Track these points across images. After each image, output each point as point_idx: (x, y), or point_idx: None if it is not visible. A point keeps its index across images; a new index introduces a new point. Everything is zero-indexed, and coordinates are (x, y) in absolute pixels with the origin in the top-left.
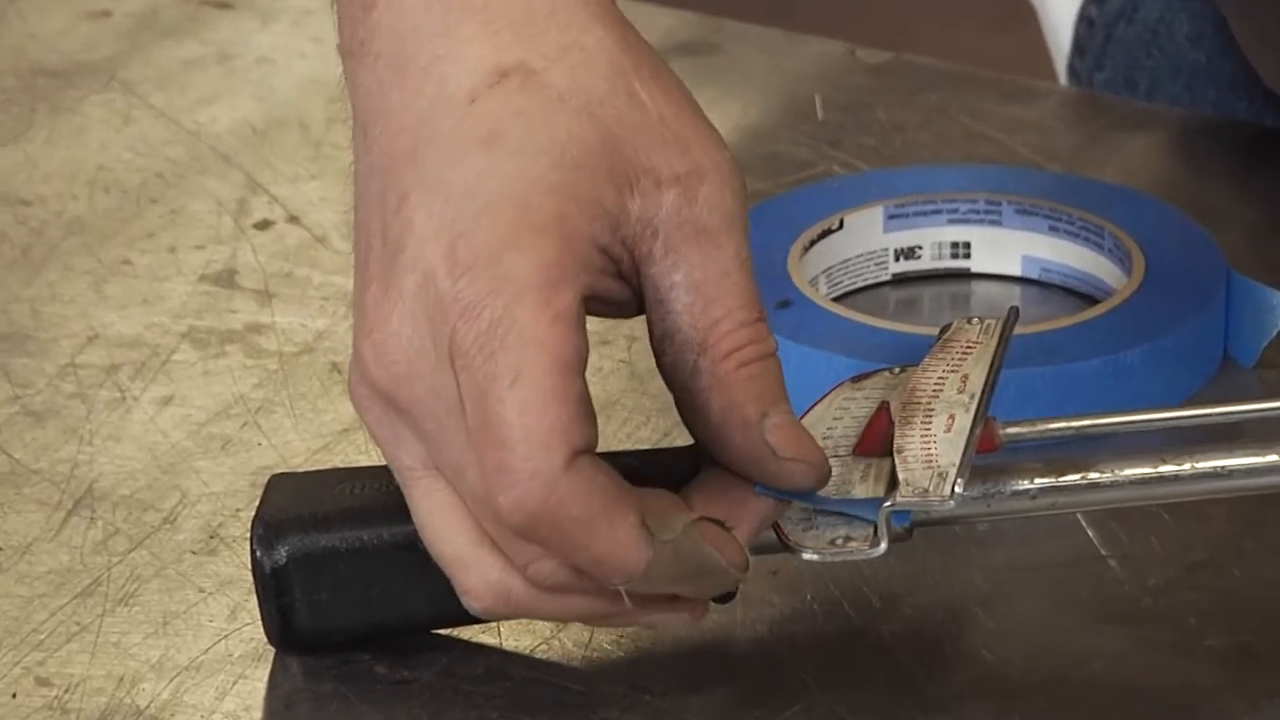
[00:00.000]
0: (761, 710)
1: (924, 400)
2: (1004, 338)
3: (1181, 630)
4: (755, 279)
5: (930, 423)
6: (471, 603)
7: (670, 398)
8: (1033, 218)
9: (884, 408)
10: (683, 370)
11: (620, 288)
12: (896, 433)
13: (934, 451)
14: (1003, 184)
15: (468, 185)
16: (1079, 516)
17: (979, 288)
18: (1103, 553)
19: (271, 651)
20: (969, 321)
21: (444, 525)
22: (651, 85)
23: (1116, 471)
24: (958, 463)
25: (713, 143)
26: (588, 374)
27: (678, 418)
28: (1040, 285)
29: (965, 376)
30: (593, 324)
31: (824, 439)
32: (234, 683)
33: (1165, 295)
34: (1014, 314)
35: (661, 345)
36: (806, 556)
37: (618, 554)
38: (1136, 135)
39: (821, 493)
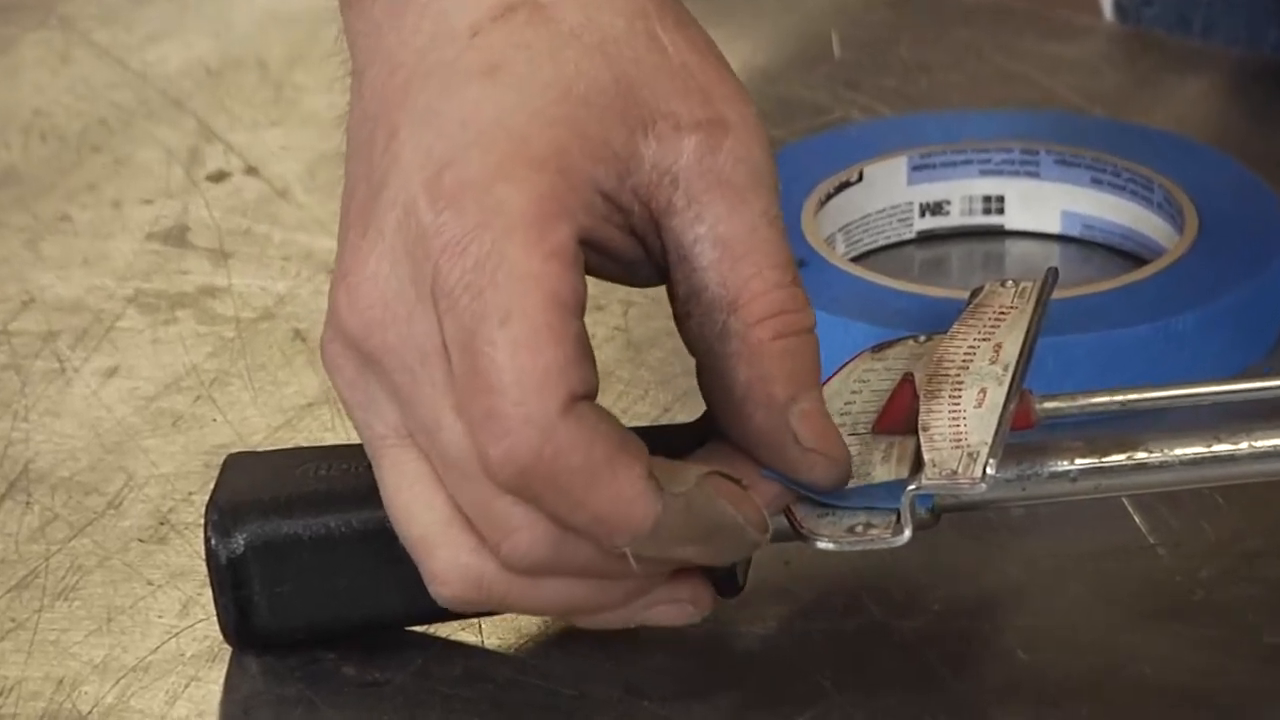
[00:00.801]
0: (771, 716)
1: (952, 372)
2: (1041, 302)
3: (1237, 627)
4: (787, 240)
5: (959, 397)
6: (439, 589)
7: (671, 370)
8: (1074, 169)
9: (908, 380)
10: (710, 331)
11: (628, 243)
12: (922, 408)
13: (963, 429)
14: (1040, 131)
15: (461, 116)
16: (1124, 501)
17: (1013, 246)
18: (1150, 541)
19: (228, 650)
20: (1002, 284)
21: (412, 500)
22: (674, 32)
23: (1166, 451)
24: (990, 442)
25: (739, 96)
26: None
27: (678, 391)
28: (1081, 244)
29: (998, 345)
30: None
31: (841, 414)
32: (186, 685)
33: (1220, 255)
34: (1053, 275)
35: (687, 305)
36: (822, 546)
37: (622, 508)
38: (1189, 78)
39: None
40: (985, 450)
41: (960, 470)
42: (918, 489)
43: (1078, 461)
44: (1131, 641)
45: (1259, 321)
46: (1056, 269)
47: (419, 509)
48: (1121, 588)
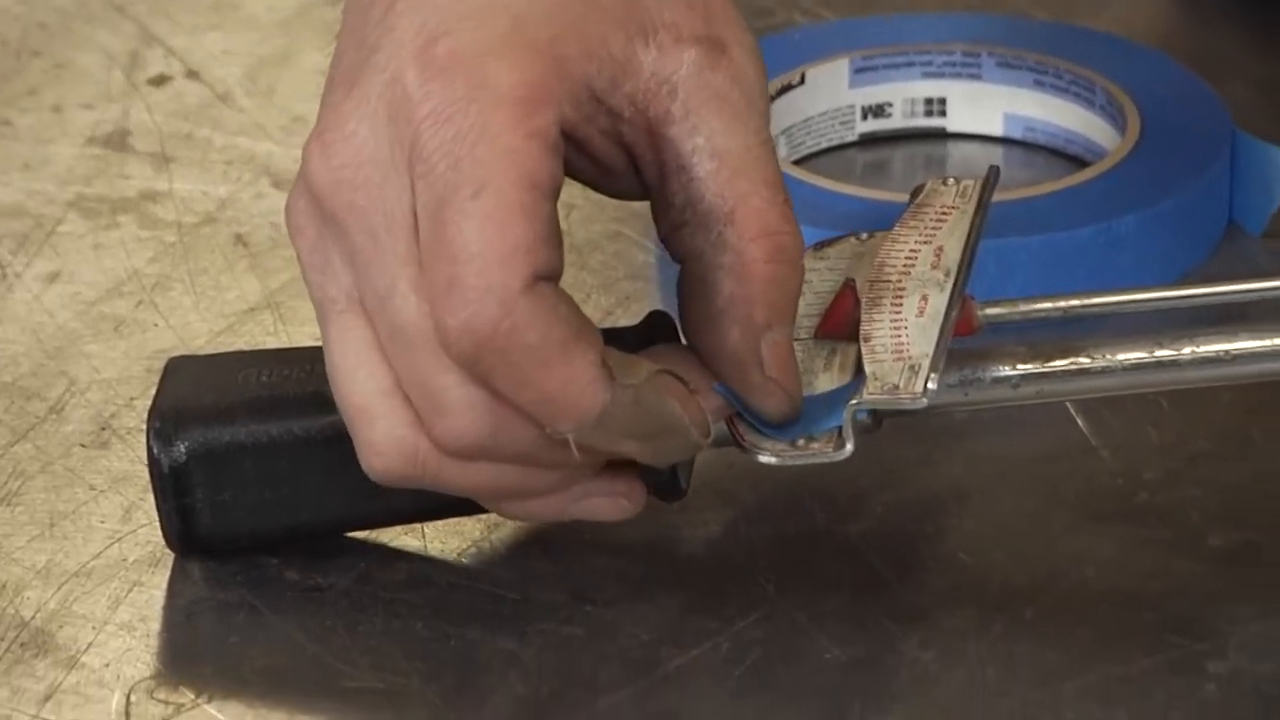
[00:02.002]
0: (715, 620)
1: (893, 278)
2: (983, 202)
3: (1182, 529)
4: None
5: (900, 305)
6: (372, 460)
7: (613, 274)
8: (1016, 71)
9: (849, 286)
10: (704, 240)
11: (611, 149)
12: (863, 317)
13: (905, 340)
14: (983, 33)
15: None
16: (1067, 404)
17: (956, 149)
18: (1094, 444)
19: (171, 556)
20: (944, 182)
21: (356, 367)
22: None
23: (1108, 356)
24: (931, 354)
25: (737, 20)
26: None
27: (620, 295)
28: (1024, 146)
29: (940, 249)
30: None
31: None
32: (129, 590)
33: (1163, 156)
34: (994, 174)
35: (683, 214)
36: (763, 460)
37: (573, 392)
38: None
39: None
40: (926, 363)
41: (902, 385)
42: (858, 404)
43: (1020, 367)
44: (1075, 544)
45: (1201, 223)
46: (998, 168)
47: (362, 377)
48: (1065, 491)
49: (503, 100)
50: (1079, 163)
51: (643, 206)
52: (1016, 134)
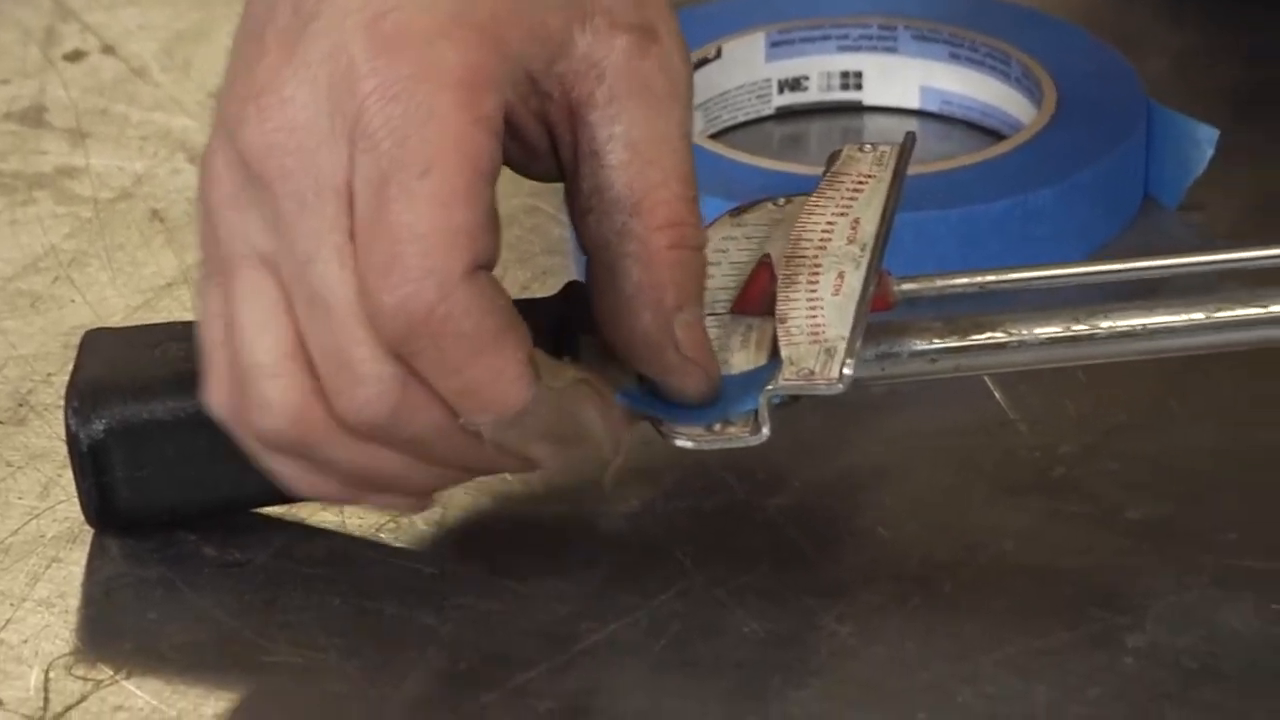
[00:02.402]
0: (634, 596)
1: (809, 253)
2: (899, 171)
3: (1099, 503)
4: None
5: (816, 283)
6: (260, 418)
7: (529, 248)
8: (932, 44)
9: (766, 263)
10: (609, 228)
11: (538, 130)
12: (779, 295)
13: (821, 321)
14: (898, 6)
15: None
16: (985, 379)
17: (872, 122)
18: (1011, 417)
19: (89, 532)
20: (861, 149)
21: (261, 325)
22: None
23: (1025, 331)
24: (847, 336)
25: (668, 9)
26: None
27: (537, 269)
28: (940, 119)
29: (856, 221)
30: None
31: None
32: (47, 566)
33: (1079, 129)
34: (911, 141)
35: (590, 201)
36: (680, 444)
37: (498, 384)
38: None
39: None
40: (843, 346)
41: (818, 370)
42: (774, 389)
43: (936, 341)
44: (993, 518)
45: (1117, 195)
46: (914, 134)
47: (265, 336)
48: (982, 465)
49: (451, 82)
50: (995, 136)
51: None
52: (933, 107)
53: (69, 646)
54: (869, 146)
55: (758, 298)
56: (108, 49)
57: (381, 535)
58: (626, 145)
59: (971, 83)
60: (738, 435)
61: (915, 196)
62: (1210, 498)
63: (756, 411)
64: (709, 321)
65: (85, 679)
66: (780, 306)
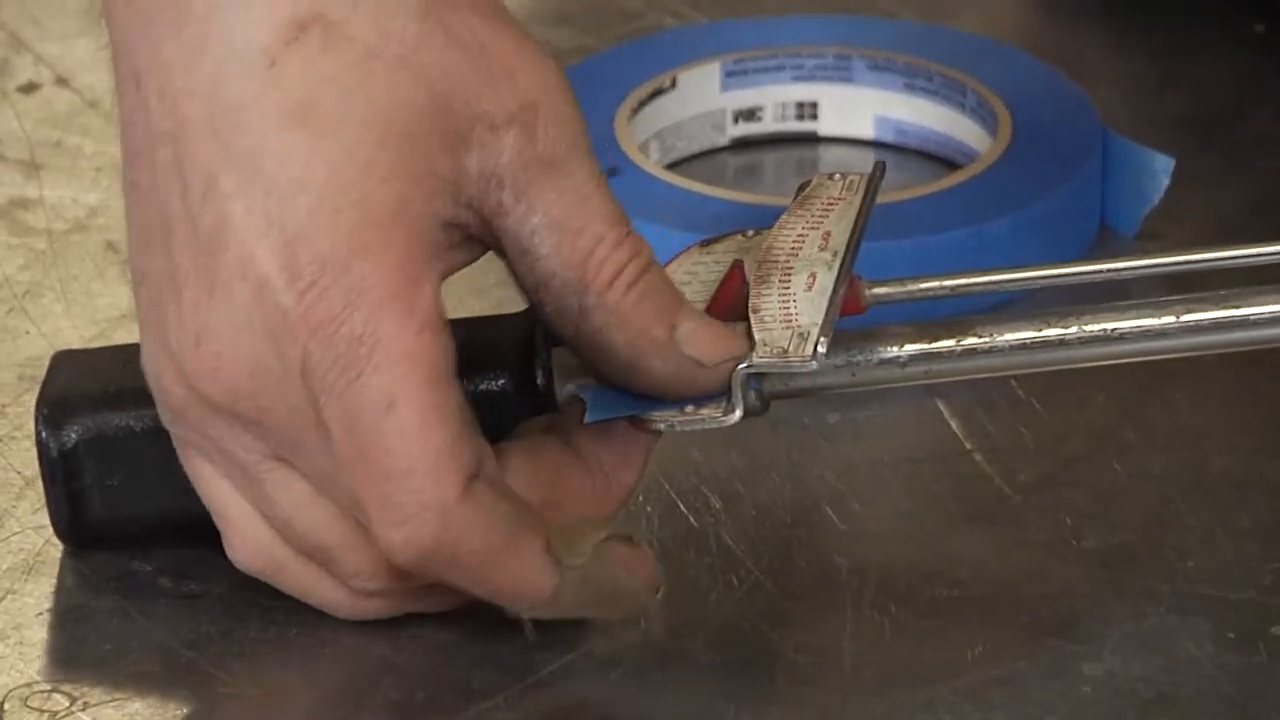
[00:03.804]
0: (590, 625)
1: (781, 259)
2: (870, 193)
3: (1055, 530)
4: (613, 195)
5: (789, 281)
6: (359, 580)
7: (484, 280)
8: (886, 74)
9: (737, 267)
10: (570, 316)
11: (471, 252)
12: (752, 293)
13: (794, 311)
14: (853, 36)
15: (291, 176)
16: (940, 405)
17: (827, 152)
18: (968, 446)
19: (46, 563)
20: (830, 178)
21: (309, 507)
22: (465, 11)
23: (995, 335)
24: (820, 322)
25: (540, 64)
26: None
27: (493, 301)
28: (895, 149)
29: (827, 234)
30: None
31: None
32: (3, 598)
33: (1034, 159)
34: (881, 169)
35: (538, 295)
36: (654, 427)
37: (521, 584)
38: None
39: None
40: (816, 330)
41: (791, 349)
42: (749, 367)
43: (907, 347)
44: (950, 546)
45: (1074, 225)
46: (884, 163)
47: (319, 513)
48: (939, 492)
49: (383, 299)
50: (950, 165)
51: None
52: (888, 137)
53: (25, 678)
54: (839, 175)
55: (730, 300)
56: (61, 81)
57: None
58: (550, 229)
59: (926, 113)
60: (711, 416)
61: (871, 227)
62: (1167, 526)
63: (729, 394)
64: None
65: (42, 710)
66: (753, 301)
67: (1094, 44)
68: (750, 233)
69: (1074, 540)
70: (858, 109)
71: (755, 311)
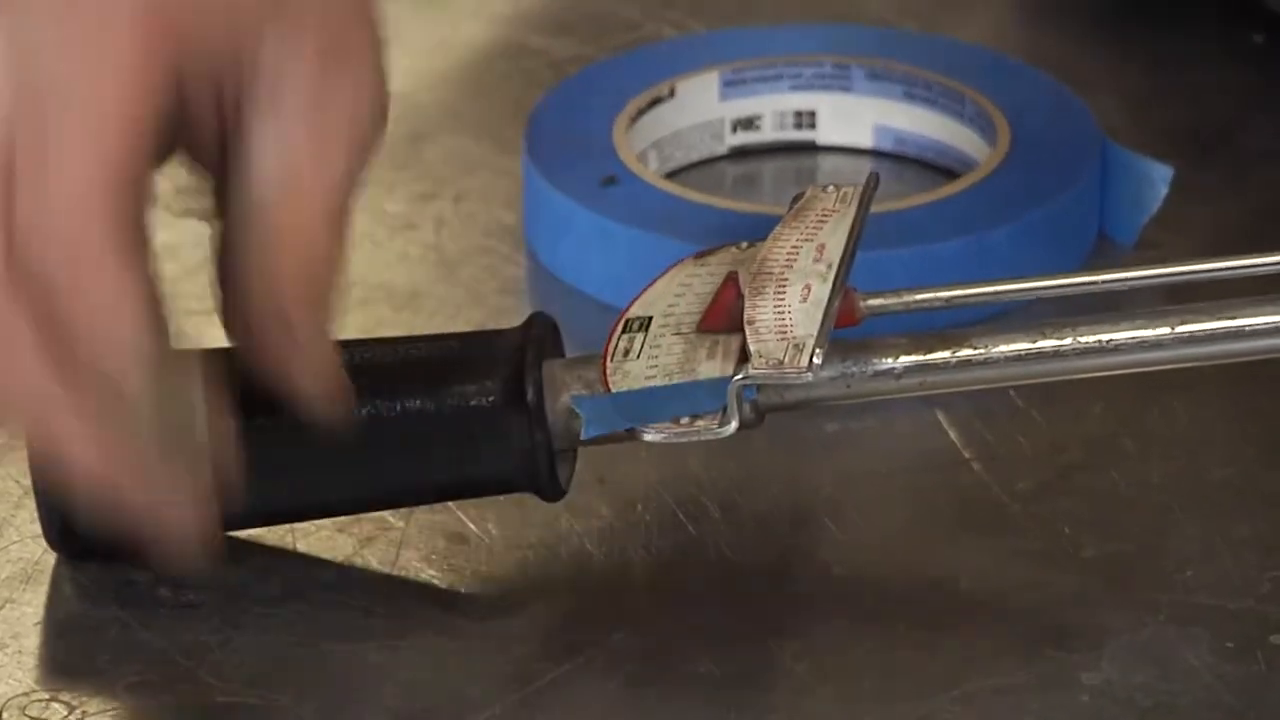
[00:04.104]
0: (588, 634)
1: (776, 270)
2: (864, 203)
3: (1053, 540)
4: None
5: (784, 293)
6: None
7: (483, 288)
8: (885, 83)
9: (731, 279)
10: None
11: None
12: (746, 304)
13: (789, 322)
14: (852, 46)
15: None
16: (938, 415)
17: (826, 161)
18: (965, 455)
19: (43, 573)
20: (824, 189)
21: None
22: None
23: (991, 347)
24: (815, 334)
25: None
26: (391, 259)
27: (490, 309)
28: (894, 158)
29: (821, 246)
30: (397, 206)
31: (665, 315)
32: (1, 607)
33: (1033, 168)
34: (875, 180)
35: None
36: (649, 438)
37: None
38: None
39: (665, 377)
40: (811, 341)
41: (786, 360)
42: (745, 379)
43: (902, 359)
44: (947, 556)
45: (1072, 234)
46: (878, 174)
47: None
48: (937, 502)
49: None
50: (949, 175)
51: (515, 221)
52: (886, 146)
53: (23, 687)
54: (832, 187)
55: (725, 313)
56: None
57: (334, 574)
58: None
59: (925, 122)
60: (706, 428)
61: (869, 236)
62: (1165, 535)
63: (725, 406)
64: (674, 341)
65: (39, 719)
66: (748, 313)
67: (1093, 54)
68: (745, 245)
69: (1072, 549)
70: (856, 118)
71: (750, 323)
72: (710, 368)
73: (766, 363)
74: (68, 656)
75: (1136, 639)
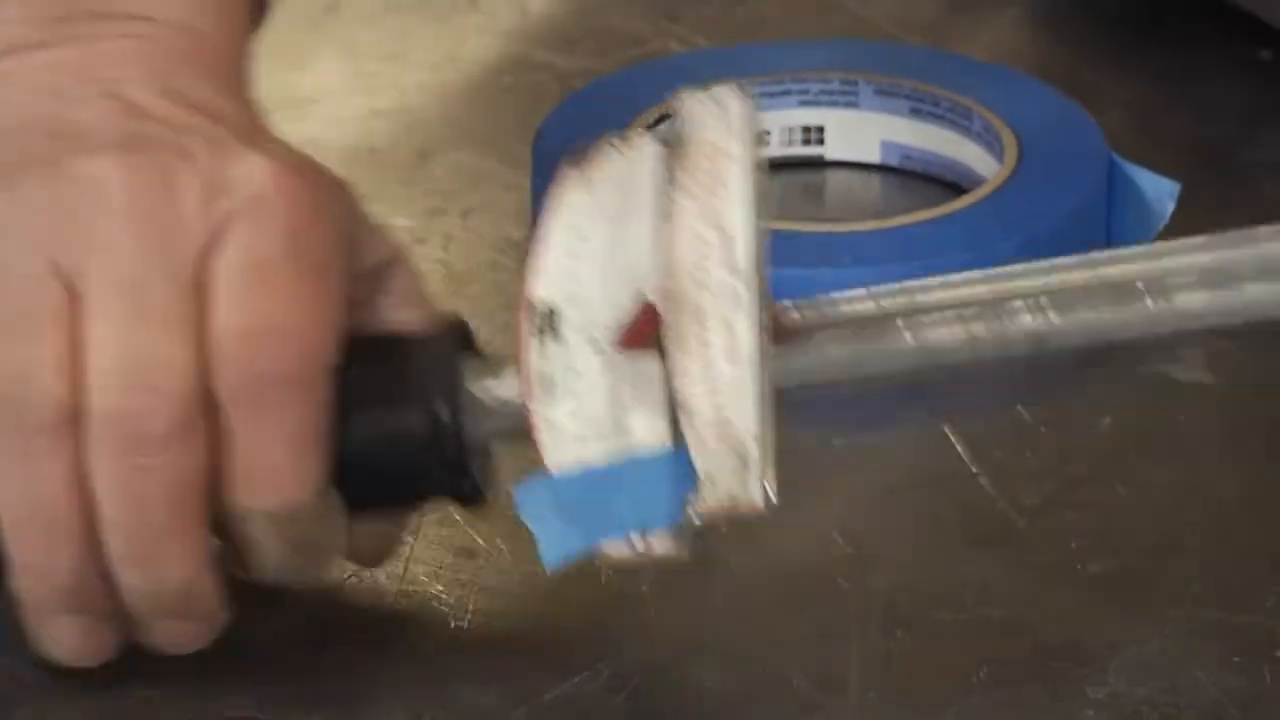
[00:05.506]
0: (596, 649)
1: (689, 290)
2: (754, 155)
3: (1059, 554)
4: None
5: (707, 340)
6: None
7: (491, 304)
8: (892, 99)
9: (648, 309)
10: None
11: None
12: (671, 356)
13: (722, 402)
14: (859, 61)
15: None
16: (946, 429)
17: (833, 177)
18: (972, 469)
19: None
20: (697, 100)
21: None
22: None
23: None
24: (756, 431)
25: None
26: None
27: (498, 324)
28: (901, 173)
29: (722, 229)
30: (405, 221)
31: (572, 306)
32: None
33: (1040, 183)
34: (745, 91)
35: None
36: (612, 556)
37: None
38: (1007, 6)
39: (599, 439)
40: (755, 454)
41: (739, 494)
42: (697, 515)
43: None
44: (955, 570)
45: (1079, 249)
46: (746, 84)
47: None
48: (944, 517)
49: None
50: (956, 190)
51: (523, 237)
52: (894, 161)
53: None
54: (709, 99)
55: (644, 334)
56: None
57: (346, 589)
58: None
59: (932, 137)
60: (663, 545)
61: (876, 250)
62: (1172, 548)
63: (678, 527)
64: (595, 362)
65: None
66: (677, 381)
67: (1100, 69)
68: (617, 142)
69: (1078, 563)
70: (864, 134)
71: (684, 409)
72: (641, 423)
73: (718, 499)
74: (71, 670)
75: (1143, 652)
